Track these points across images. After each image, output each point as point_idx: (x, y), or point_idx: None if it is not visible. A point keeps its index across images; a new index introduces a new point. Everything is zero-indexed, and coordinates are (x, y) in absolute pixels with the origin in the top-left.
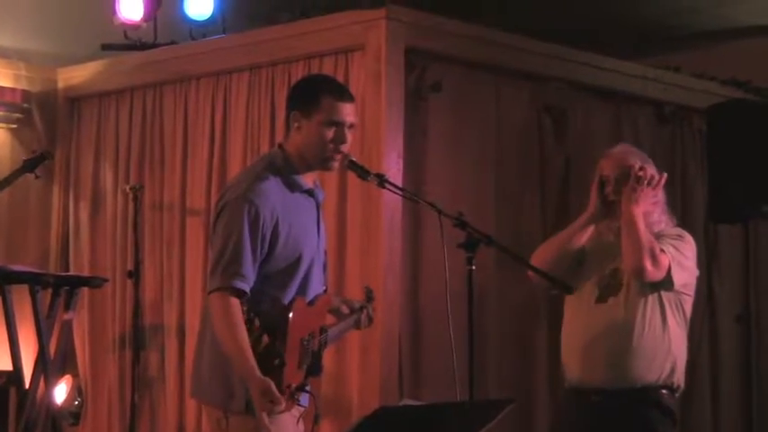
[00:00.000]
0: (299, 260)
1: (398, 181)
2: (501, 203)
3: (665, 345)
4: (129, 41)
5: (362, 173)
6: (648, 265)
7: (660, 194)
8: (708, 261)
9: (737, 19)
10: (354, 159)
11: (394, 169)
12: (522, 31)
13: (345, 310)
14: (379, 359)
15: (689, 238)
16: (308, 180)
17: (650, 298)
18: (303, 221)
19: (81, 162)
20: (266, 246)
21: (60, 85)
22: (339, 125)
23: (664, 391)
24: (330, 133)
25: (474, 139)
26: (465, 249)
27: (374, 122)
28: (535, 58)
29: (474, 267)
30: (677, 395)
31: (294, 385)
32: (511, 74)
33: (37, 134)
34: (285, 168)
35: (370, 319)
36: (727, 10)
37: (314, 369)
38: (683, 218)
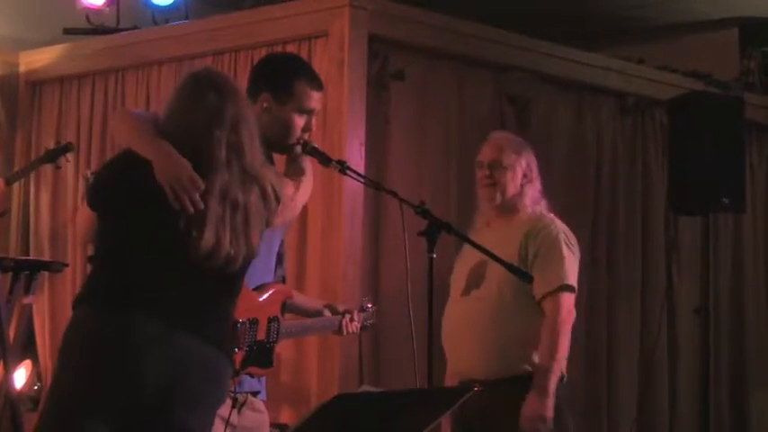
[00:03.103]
0: None
1: (360, 168)
2: (462, 193)
3: (536, 333)
4: (92, 26)
5: (324, 159)
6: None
7: (533, 175)
8: (667, 253)
9: (699, 11)
10: (316, 146)
11: (356, 157)
12: (486, 21)
13: (327, 314)
14: (339, 346)
15: (564, 234)
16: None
17: (516, 290)
18: None
19: (42, 146)
20: None
21: (22, 68)
22: (309, 113)
23: None
24: (300, 121)
25: (436, 128)
26: (426, 237)
27: (337, 110)
28: (498, 47)
29: (435, 255)
30: (563, 381)
31: None
32: (474, 63)
33: None
34: None
35: (364, 327)
36: (689, 3)
37: (261, 360)
38: (644, 209)
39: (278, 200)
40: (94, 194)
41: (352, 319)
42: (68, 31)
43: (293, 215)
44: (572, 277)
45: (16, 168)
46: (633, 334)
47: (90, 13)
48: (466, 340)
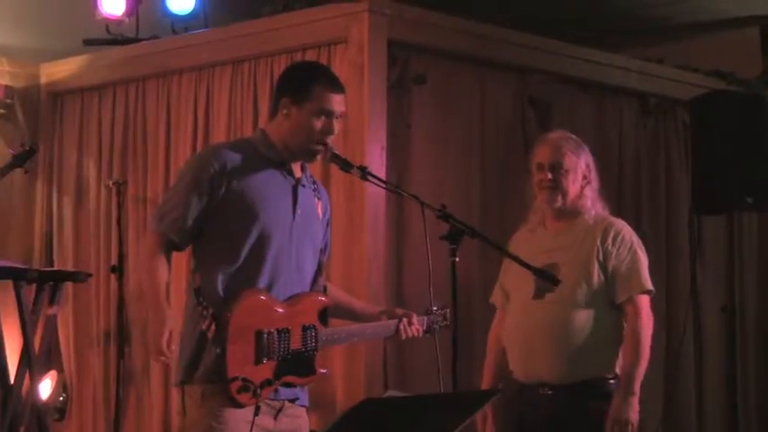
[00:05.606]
0: (253, 229)
1: (382, 173)
2: (485, 196)
3: (609, 336)
4: (112, 36)
5: (345, 165)
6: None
7: (592, 176)
8: (692, 252)
9: (720, 10)
10: (337, 152)
11: (377, 162)
12: (506, 23)
13: (384, 319)
14: (364, 350)
15: (635, 236)
16: (294, 168)
17: (590, 294)
18: (266, 193)
19: (64, 157)
20: (210, 192)
21: (43, 80)
22: (329, 115)
23: (611, 381)
24: (319, 123)
25: (458, 132)
26: (448, 241)
27: (357, 115)
28: (519, 50)
29: (457, 259)
30: None
31: (255, 381)
32: (495, 66)
33: (20, 129)
34: (263, 147)
35: (428, 330)
36: (710, 2)
37: (299, 369)
38: (667, 209)
39: None
40: None
41: (410, 323)
42: (88, 42)
43: None
44: (650, 281)
45: None
46: (659, 334)
47: (110, 23)
48: (542, 344)
